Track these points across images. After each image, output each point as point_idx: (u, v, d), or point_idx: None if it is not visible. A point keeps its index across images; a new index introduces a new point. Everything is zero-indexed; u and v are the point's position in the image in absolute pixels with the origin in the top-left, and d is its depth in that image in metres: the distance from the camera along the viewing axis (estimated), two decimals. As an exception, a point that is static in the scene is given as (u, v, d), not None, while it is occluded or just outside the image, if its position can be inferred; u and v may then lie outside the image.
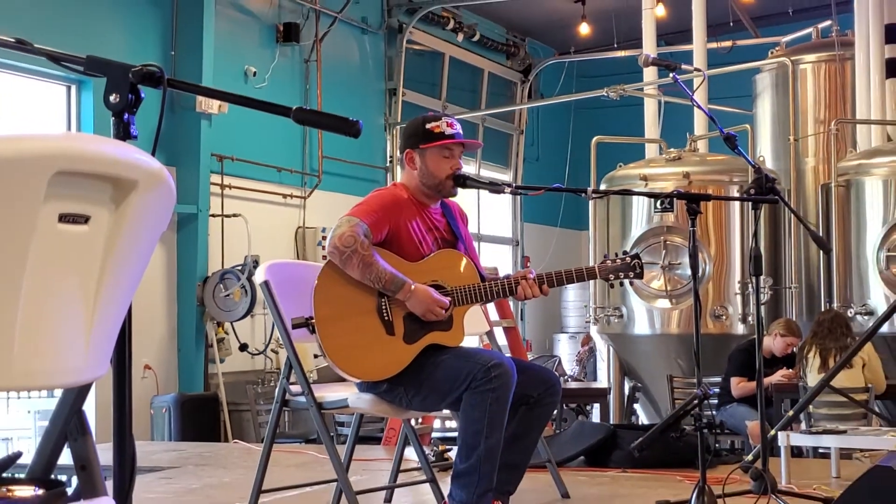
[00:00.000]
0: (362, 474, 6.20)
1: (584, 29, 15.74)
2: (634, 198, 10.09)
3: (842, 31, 11.55)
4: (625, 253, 4.63)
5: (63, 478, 2.11)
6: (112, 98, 2.20)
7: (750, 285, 9.70)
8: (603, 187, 10.23)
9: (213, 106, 10.97)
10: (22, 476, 2.08)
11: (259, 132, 11.75)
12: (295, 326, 4.37)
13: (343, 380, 4.46)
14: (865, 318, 9.28)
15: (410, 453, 5.37)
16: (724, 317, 10.00)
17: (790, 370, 8.41)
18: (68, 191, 1.77)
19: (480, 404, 4.09)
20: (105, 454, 2.10)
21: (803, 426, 7.12)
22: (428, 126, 4.47)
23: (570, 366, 15.66)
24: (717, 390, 8.66)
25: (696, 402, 4.51)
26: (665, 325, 10.15)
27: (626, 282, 4.59)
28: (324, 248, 4.57)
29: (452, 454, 4.90)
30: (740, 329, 9.96)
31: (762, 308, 5.50)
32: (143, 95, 2.23)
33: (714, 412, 8.64)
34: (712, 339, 9.68)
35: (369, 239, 4.24)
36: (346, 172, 13.28)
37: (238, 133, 11.49)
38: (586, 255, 13.49)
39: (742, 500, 4.56)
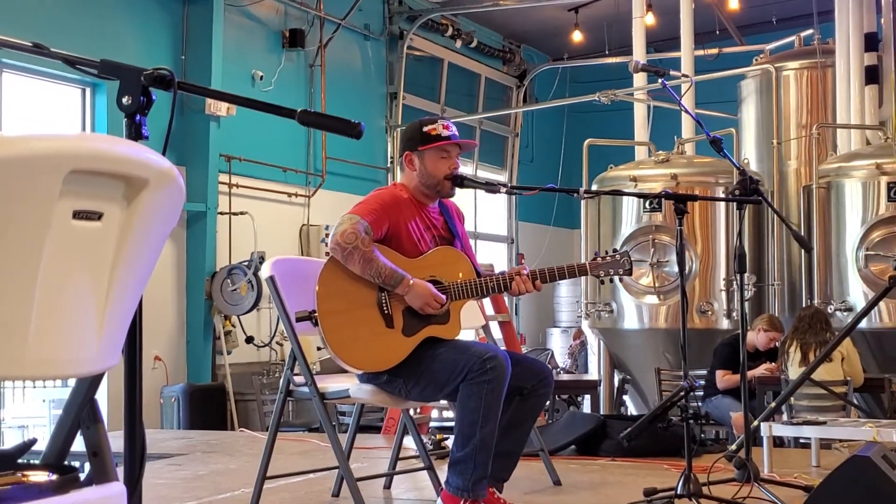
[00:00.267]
0: (363, 462, 6.20)
1: (577, 36, 15.75)
2: (624, 198, 10.08)
3: (823, 39, 11.54)
4: (615, 250, 4.63)
5: (76, 464, 2.11)
6: (125, 100, 2.20)
7: (734, 282, 9.71)
8: (594, 188, 10.23)
9: (221, 108, 10.97)
10: (37, 462, 2.08)
11: (265, 134, 11.75)
12: (299, 320, 4.37)
13: (345, 371, 4.46)
14: (844, 314, 9.29)
15: (409, 442, 5.37)
16: (709, 312, 10.00)
17: (773, 364, 8.41)
18: (82, 188, 1.77)
19: (476, 395, 4.09)
20: (116, 441, 2.10)
21: (785, 417, 7.12)
22: (425, 129, 4.47)
23: (562, 359, 15.65)
24: (702, 383, 8.66)
25: (682, 393, 4.51)
26: (653, 320, 10.15)
27: (616, 278, 4.59)
28: (327, 244, 4.55)
29: (449, 443, 4.91)
30: (725, 324, 9.96)
31: (746, 304, 5.49)
32: (154, 98, 2.23)
33: (700, 404, 8.65)
34: (698, 333, 9.68)
35: (370, 236, 4.24)
36: (348, 172, 13.28)
37: (245, 134, 11.49)
38: (578, 252, 13.47)
39: (726, 488, 4.56)
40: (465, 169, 4.97)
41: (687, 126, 10.99)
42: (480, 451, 4.11)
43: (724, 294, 9.98)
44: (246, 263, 11.03)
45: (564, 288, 16.79)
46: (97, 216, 1.83)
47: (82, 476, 2.04)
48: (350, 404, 5.83)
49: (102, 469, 2.07)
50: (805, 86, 11.48)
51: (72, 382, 2.14)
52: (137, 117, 2.20)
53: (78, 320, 1.84)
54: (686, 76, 10.79)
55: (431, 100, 15.45)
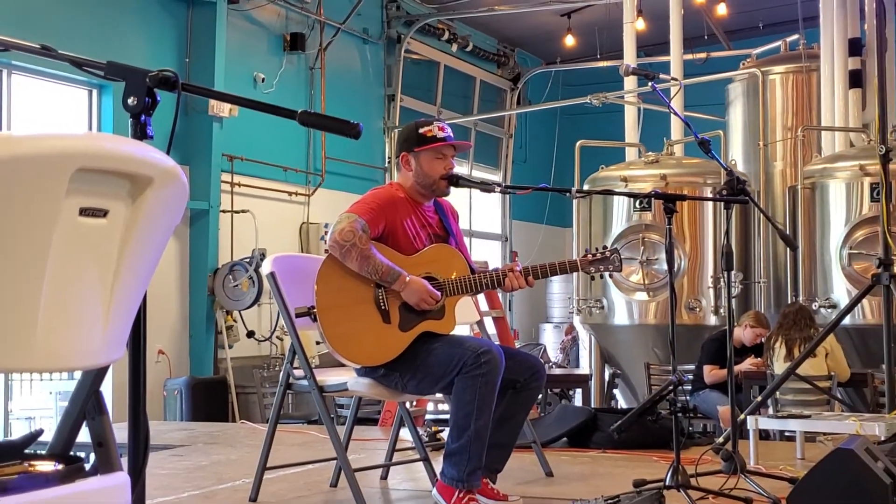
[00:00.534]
0: (360, 453, 6.20)
1: (570, 41, 15.75)
2: (615, 197, 10.09)
3: (808, 44, 11.56)
4: (605, 247, 4.63)
5: (82, 454, 2.11)
6: (130, 101, 2.20)
7: (722, 279, 9.71)
8: (586, 188, 10.23)
9: (224, 109, 10.96)
10: (43, 452, 2.08)
11: (267, 134, 11.75)
12: (298, 315, 4.37)
13: (343, 365, 4.46)
14: (829, 310, 9.30)
15: (405, 434, 5.36)
16: (697, 309, 10.01)
17: (759, 359, 8.42)
18: (88, 186, 1.77)
19: (471, 388, 4.09)
20: (120, 432, 2.10)
21: (770, 411, 7.13)
22: (421, 131, 4.48)
23: (554, 353, 15.66)
24: (690, 377, 8.67)
25: (671, 387, 4.51)
26: (643, 316, 10.16)
27: (607, 275, 4.59)
28: (326, 242, 4.55)
29: (444, 435, 4.90)
30: (712, 320, 9.97)
31: (733, 301, 5.50)
32: (158, 99, 2.23)
33: (688, 397, 8.65)
34: (686, 329, 9.69)
35: (367, 234, 4.24)
36: (347, 172, 13.27)
37: (247, 135, 11.48)
38: (570, 250, 13.48)
39: (713, 480, 4.56)
40: (461, 169, 4.97)
41: (676, 128, 11.01)
42: (475, 443, 4.12)
43: (711, 291, 9.99)
44: (247, 260, 11.02)
45: (557, 284, 16.79)
46: (103, 213, 1.83)
47: (87, 466, 2.04)
48: (348, 397, 5.83)
49: (107, 459, 2.07)
50: (791, 89, 11.49)
51: (78, 375, 2.14)
52: (142, 117, 2.20)
53: (84, 314, 1.84)
54: (675, 80, 10.81)
55: (428, 102, 15.45)
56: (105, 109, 10.41)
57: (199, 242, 11.12)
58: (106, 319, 1.90)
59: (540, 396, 7.78)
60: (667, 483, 4.28)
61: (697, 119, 11.95)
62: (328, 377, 4.59)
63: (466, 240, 4.71)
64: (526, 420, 4.66)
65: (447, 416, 4.47)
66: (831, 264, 9.46)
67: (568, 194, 4.98)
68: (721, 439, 5.63)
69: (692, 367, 8.79)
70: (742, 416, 5.59)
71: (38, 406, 10.55)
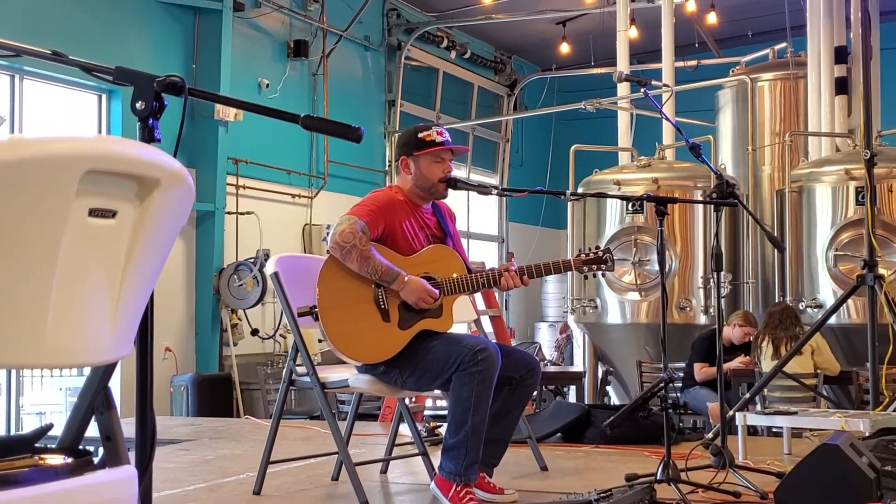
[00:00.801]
0: (361, 448, 6.20)
1: (565, 48, 15.75)
2: (608, 200, 10.09)
3: (796, 52, 11.56)
4: (597, 247, 4.64)
5: (90, 448, 2.10)
6: (138, 105, 2.19)
7: (711, 280, 9.71)
8: (580, 190, 10.22)
9: (229, 114, 10.96)
10: (53, 446, 2.07)
11: (271, 138, 11.74)
12: (300, 315, 4.37)
13: (344, 362, 4.45)
14: (815, 310, 9.29)
15: (405, 429, 5.36)
16: (688, 308, 10.01)
17: (747, 357, 8.43)
18: (97, 188, 1.77)
19: (468, 385, 4.09)
20: (128, 427, 2.09)
21: (758, 407, 7.13)
22: (420, 135, 4.48)
23: (549, 351, 15.65)
24: (681, 374, 8.67)
25: (662, 385, 4.51)
26: (635, 315, 10.16)
27: (600, 275, 4.59)
28: (327, 243, 4.55)
29: (442, 430, 4.90)
30: (702, 319, 9.97)
31: (722, 301, 5.49)
32: (166, 103, 2.22)
33: (678, 394, 8.66)
34: (677, 328, 9.68)
35: (367, 235, 4.25)
36: (349, 175, 13.27)
37: (252, 139, 11.48)
38: (565, 251, 13.49)
39: (703, 474, 4.56)
40: (459, 172, 4.97)
41: (667, 133, 11.01)
42: (472, 438, 4.12)
43: (701, 291, 9.99)
44: (252, 260, 11.02)
45: (552, 284, 16.80)
46: (111, 214, 1.83)
47: (96, 460, 2.03)
48: (349, 393, 5.82)
49: (115, 453, 2.07)
50: (778, 96, 11.50)
51: (87, 371, 2.13)
52: (150, 121, 2.20)
53: (93, 312, 1.84)
54: (667, 86, 10.80)
55: (427, 107, 15.45)
56: (114, 113, 10.41)
57: (205, 243, 11.12)
58: (114, 317, 1.89)
59: (535, 393, 7.78)
60: (658, 477, 4.28)
61: (688, 124, 11.94)
62: (330, 374, 4.59)
63: (464, 241, 4.70)
64: (521, 416, 4.66)
65: (445, 412, 4.46)
66: (817, 265, 9.45)
67: (563, 197, 4.98)
68: (710, 435, 5.63)
69: (683, 364, 8.79)
70: (731, 413, 5.59)
71: (49, 401, 10.55)
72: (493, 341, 4.52)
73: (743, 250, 10.49)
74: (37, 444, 2.02)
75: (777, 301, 9.47)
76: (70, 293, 1.77)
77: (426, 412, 9.14)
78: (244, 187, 11.60)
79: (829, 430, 5.23)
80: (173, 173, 1.92)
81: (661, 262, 4.57)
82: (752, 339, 8.42)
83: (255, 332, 11.47)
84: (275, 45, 12.43)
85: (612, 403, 10.78)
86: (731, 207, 5.03)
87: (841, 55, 10.37)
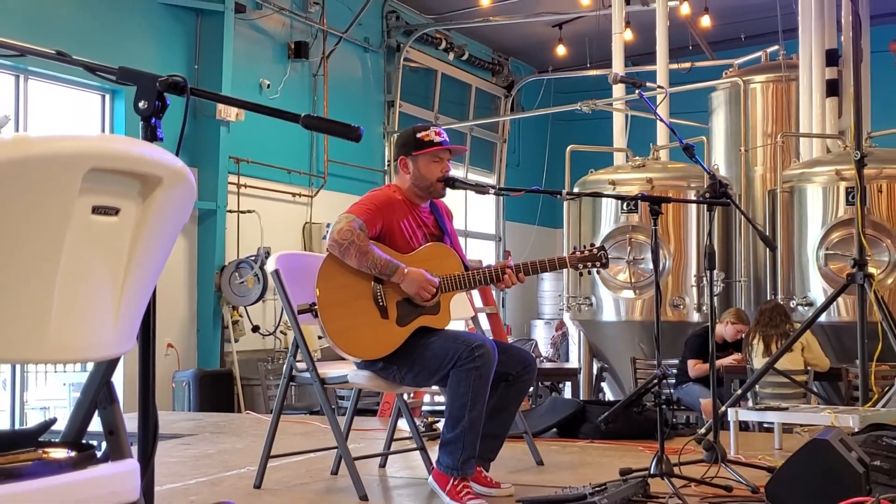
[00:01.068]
0: (360, 442, 6.20)
1: (561, 50, 15.75)
2: (603, 199, 10.09)
3: (788, 55, 11.56)
4: (592, 245, 4.63)
5: (94, 442, 2.10)
6: (141, 104, 2.19)
7: (704, 278, 9.72)
8: (576, 190, 10.23)
9: (231, 113, 10.95)
10: (56, 440, 2.07)
11: (272, 138, 11.73)
12: (301, 311, 4.37)
13: (343, 358, 4.45)
14: (806, 308, 9.30)
15: (403, 424, 5.36)
16: (681, 306, 10.01)
17: (739, 354, 8.43)
18: (101, 186, 1.77)
19: (465, 380, 4.09)
20: (131, 422, 2.09)
21: (750, 403, 7.13)
22: (419, 135, 4.47)
23: (545, 348, 15.66)
24: (674, 371, 8.67)
25: (655, 381, 4.51)
26: (629, 312, 10.16)
27: (595, 273, 4.59)
28: (326, 241, 4.54)
29: (440, 425, 4.90)
30: (695, 317, 9.98)
31: (715, 299, 5.50)
32: (168, 102, 2.22)
33: (672, 390, 8.66)
34: (671, 325, 9.70)
35: (364, 232, 4.24)
36: (348, 174, 13.27)
37: (253, 138, 11.47)
38: (561, 250, 13.49)
39: (696, 469, 4.56)
40: (457, 172, 4.97)
41: (662, 134, 11.01)
42: (469, 433, 4.11)
43: (694, 289, 10.00)
44: (253, 258, 11.01)
45: (548, 282, 16.80)
46: (114, 211, 1.83)
47: (99, 453, 2.03)
48: (348, 389, 5.82)
49: (118, 447, 2.07)
50: (770, 98, 11.50)
51: (90, 367, 2.13)
52: (153, 120, 2.19)
53: (96, 308, 1.84)
54: (661, 88, 10.83)
55: (426, 108, 15.44)
56: (117, 113, 10.40)
57: (206, 241, 11.11)
58: (117, 313, 1.89)
59: (531, 389, 7.78)
60: (651, 471, 4.28)
61: (682, 125, 11.93)
62: (329, 370, 4.59)
63: (462, 239, 4.68)
64: (518, 411, 4.66)
65: (443, 408, 4.46)
66: (808, 264, 9.46)
67: (559, 196, 4.98)
68: (703, 430, 5.63)
69: (676, 361, 8.80)
70: (723, 409, 5.60)
71: (53, 396, 10.54)
72: (490, 338, 4.51)
73: (735, 249, 10.50)
74: (41, 438, 2.02)
75: (765, 300, 9.48)
76: (73, 290, 1.76)
77: (424, 408, 9.15)
78: (245, 186, 11.59)
79: (819, 425, 5.23)
80: (175, 172, 1.91)
81: (656, 261, 4.57)
82: (744, 336, 8.42)
83: (255, 329, 11.47)
84: (276, 47, 12.42)
85: (606, 399, 10.79)
86: (723, 207, 5.04)
87: (832, 58, 10.38)
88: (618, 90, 12.06)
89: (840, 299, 8.36)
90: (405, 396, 5.15)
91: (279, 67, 12.36)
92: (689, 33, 14.70)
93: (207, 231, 11.10)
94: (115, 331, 1.90)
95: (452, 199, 4.78)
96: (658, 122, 9.73)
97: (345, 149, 12.78)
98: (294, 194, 12.44)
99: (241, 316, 11.32)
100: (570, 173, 10.72)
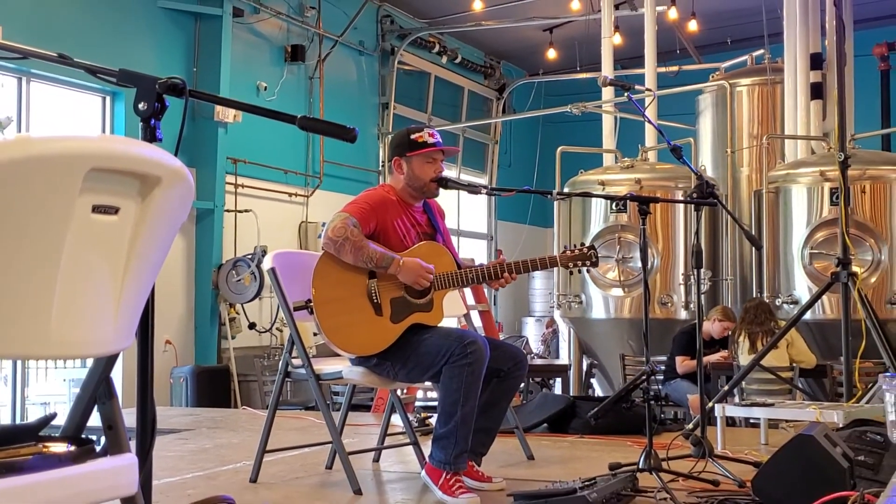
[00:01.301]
0: (354, 437, 6.19)
1: (552, 54, 15.76)
2: (593, 199, 10.10)
3: (773, 59, 11.58)
4: (582, 244, 4.63)
5: (93, 437, 2.10)
6: (140, 106, 2.19)
7: (692, 277, 9.73)
8: (566, 190, 10.23)
9: (228, 115, 10.94)
10: (56, 434, 2.07)
11: (268, 139, 11.72)
12: (296, 308, 4.37)
13: (338, 355, 4.45)
14: (791, 306, 9.32)
15: (396, 420, 5.36)
16: (669, 304, 10.02)
17: (726, 351, 8.44)
18: (101, 185, 1.77)
19: (458, 376, 4.09)
20: (129, 417, 2.09)
21: (737, 399, 7.15)
22: (413, 137, 4.47)
23: (536, 345, 15.66)
24: (662, 367, 8.68)
25: (644, 377, 4.51)
26: (618, 310, 10.17)
27: (585, 271, 4.59)
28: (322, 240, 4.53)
29: (433, 420, 4.89)
30: (683, 314, 9.98)
31: (702, 296, 5.51)
32: (167, 104, 2.21)
33: (660, 386, 8.66)
34: (659, 323, 9.71)
35: (358, 229, 4.24)
36: (344, 175, 13.25)
37: (250, 139, 11.46)
38: (552, 249, 13.50)
39: (683, 463, 4.56)
40: (449, 172, 4.96)
41: (650, 135, 11.02)
42: (461, 428, 4.11)
43: (682, 287, 10.01)
44: (249, 256, 11.00)
45: (538, 281, 16.80)
46: (114, 210, 1.82)
47: (98, 448, 2.03)
48: (343, 385, 5.82)
49: (116, 441, 2.06)
50: (756, 100, 11.52)
51: (90, 363, 2.13)
52: (152, 121, 2.19)
53: (96, 305, 1.84)
54: (649, 90, 10.83)
55: (419, 110, 15.43)
56: (117, 115, 10.38)
57: (204, 240, 11.10)
58: (116, 310, 1.89)
59: (522, 385, 7.78)
60: (640, 466, 4.28)
61: (670, 127, 11.93)
62: (324, 366, 4.58)
63: (454, 238, 4.68)
64: (509, 407, 4.66)
65: (435, 404, 4.46)
66: (793, 263, 9.48)
67: (549, 196, 4.98)
68: (691, 426, 5.64)
69: (664, 358, 8.80)
70: (710, 404, 5.60)
71: (53, 392, 10.52)
72: (482, 335, 4.51)
73: (722, 248, 10.52)
74: (41, 433, 2.01)
75: (750, 298, 9.49)
76: (74, 287, 1.76)
77: (417, 403, 9.14)
78: (242, 186, 11.58)
79: (805, 421, 5.24)
80: (174, 171, 1.91)
81: (644, 260, 4.57)
82: (730, 333, 8.43)
83: (252, 326, 11.45)
84: (273, 50, 12.40)
85: (596, 395, 10.80)
86: (710, 207, 5.04)
87: (816, 62, 10.39)
88: (607, 93, 12.05)
89: (824, 297, 8.38)
90: (399, 392, 5.15)
91: (276, 70, 12.35)
92: (676, 37, 14.72)
93: (205, 230, 11.09)
94: (114, 327, 1.89)
95: (445, 199, 4.78)
96: (646, 124, 9.74)
97: (340, 150, 12.77)
98: (290, 194, 12.43)
99: (237, 313, 11.30)
100: (561, 174, 10.72)
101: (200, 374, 10.42)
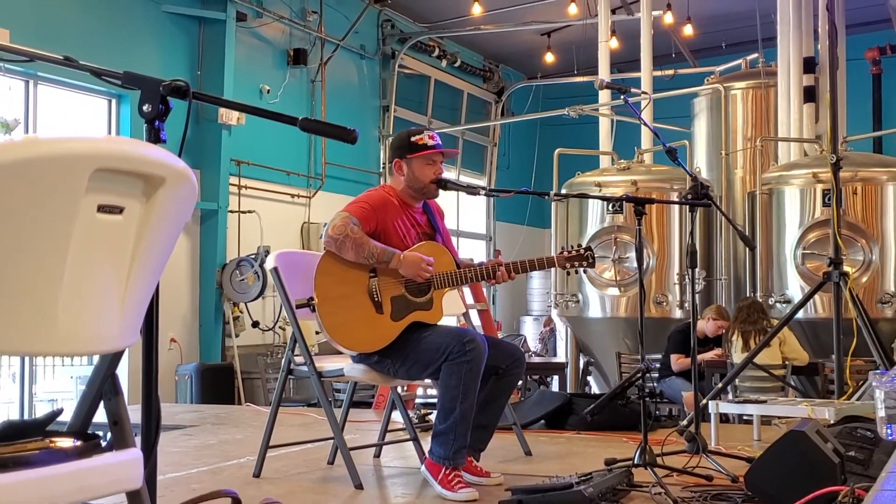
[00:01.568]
0: (355, 433, 6.19)
1: (549, 58, 15.76)
2: (590, 200, 10.10)
3: (767, 62, 11.58)
4: (579, 245, 4.63)
5: (99, 433, 2.10)
6: (145, 108, 2.19)
7: (686, 276, 9.73)
8: (563, 192, 10.23)
9: (232, 117, 10.94)
10: (63, 430, 2.07)
11: (271, 141, 11.73)
12: (299, 306, 4.37)
13: (340, 353, 4.45)
14: (783, 305, 9.32)
15: (397, 416, 5.36)
16: (664, 303, 10.02)
17: (720, 349, 8.44)
18: (106, 185, 1.77)
19: (457, 374, 4.09)
20: (135, 414, 2.09)
21: (730, 396, 7.15)
22: (413, 139, 4.47)
23: (533, 343, 15.66)
24: (658, 365, 8.68)
25: (639, 374, 4.51)
26: (615, 309, 10.17)
27: (581, 271, 4.58)
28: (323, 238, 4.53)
29: (432, 417, 4.89)
30: (678, 314, 9.98)
31: (697, 296, 5.51)
32: (171, 106, 2.22)
33: (655, 384, 8.67)
34: (654, 321, 9.70)
35: (358, 227, 4.25)
36: (345, 176, 13.26)
37: (253, 141, 11.46)
38: (549, 249, 13.48)
39: (678, 459, 4.56)
40: (449, 174, 4.96)
41: (646, 138, 11.01)
42: (460, 424, 4.11)
43: (677, 287, 10.01)
44: (253, 256, 11.00)
45: (536, 280, 16.80)
46: (119, 210, 1.82)
47: (104, 443, 2.03)
48: (344, 382, 5.81)
49: (122, 437, 2.06)
50: (750, 103, 11.52)
51: (96, 360, 2.13)
52: (156, 123, 2.19)
53: (101, 302, 1.84)
54: (645, 94, 10.84)
55: (419, 112, 15.44)
56: (123, 118, 10.38)
57: (208, 240, 11.10)
58: (121, 308, 1.89)
59: (520, 382, 7.78)
60: (635, 461, 4.29)
61: (665, 130, 11.94)
62: (326, 364, 4.59)
63: (454, 239, 4.67)
64: (507, 403, 4.66)
65: (435, 400, 4.46)
66: (786, 263, 9.48)
67: (547, 197, 4.98)
68: (685, 422, 5.64)
69: (659, 356, 8.80)
70: (704, 401, 5.60)
71: (60, 389, 10.51)
72: (481, 333, 4.51)
73: (716, 249, 10.51)
74: (48, 428, 2.02)
75: (742, 297, 9.50)
76: (80, 285, 1.76)
77: (417, 400, 9.14)
78: (246, 187, 11.58)
79: (797, 417, 5.24)
80: (178, 172, 1.91)
81: (640, 260, 4.57)
82: (724, 332, 8.44)
83: (255, 325, 11.46)
84: (275, 54, 12.40)
85: (592, 392, 10.80)
86: (705, 208, 5.03)
87: (809, 65, 10.39)
88: (604, 96, 12.06)
89: (816, 297, 8.37)
90: (399, 389, 5.15)
91: (279, 73, 12.35)
92: (672, 41, 14.72)
93: (209, 230, 11.09)
94: (119, 324, 1.90)
95: (445, 200, 4.79)
96: (642, 126, 9.74)
97: (341, 151, 12.77)
98: (293, 195, 12.43)
99: (241, 312, 11.31)
100: (558, 175, 10.72)
101: (205, 371, 10.42)
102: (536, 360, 12.34)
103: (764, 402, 5.83)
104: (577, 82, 15.62)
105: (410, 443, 5.02)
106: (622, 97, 4.91)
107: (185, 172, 1.93)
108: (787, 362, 7.97)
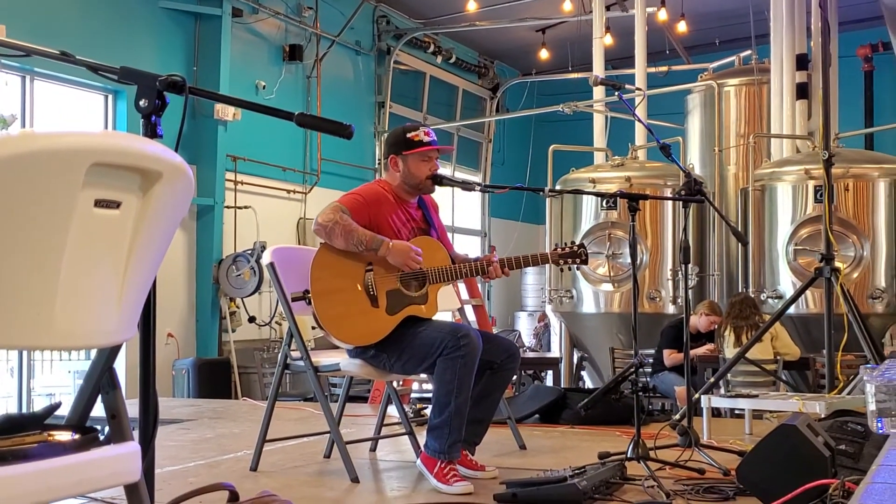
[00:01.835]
0: (351, 427, 6.20)
1: (544, 54, 15.75)
2: (584, 197, 10.10)
3: (760, 59, 11.59)
4: (573, 242, 4.64)
5: (97, 426, 2.10)
6: (142, 103, 2.19)
7: (679, 272, 9.74)
8: (558, 188, 10.24)
9: (228, 113, 10.93)
10: (61, 423, 2.07)
11: (267, 136, 11.72)
12: (294, 299, 4.36)
13: (336, 347, 4.45)
14: (775, 300, 9.33)
15: (392, 410, 5.36)
16: (657, 298, 10.03)
17: (712, 344, 8.46)
18: (103, 180, 1.77)
19: (451, 368, 4.09)
20: (132, 408, 2.09)
21: (722, 391, 7.15)
22: (409, 135, 4.47)
23: (528, 338, 15.66)
24: (651, 360, 8.69)
25: (633, 369, 4.52)
26: (608, 305, 10.18)
27: (575, 267, 4.58)
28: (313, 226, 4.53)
29: (428, 411, 4.90)
30: (671, 309, 9.99)
31: (690, 291, 5.51)
32: (167, 101, 2.21)
33: (648, 378, 8.68)
34: (647, 317, 9.72)
35: (348, 215, 4.25)
36: (341, 172, 13.25)
37: (249, 137, 11.45)
38: (544, 245, 13.48)
39: (670, 452, 4.57)
40: (444, 170, 4.96)
41: (640, 134, 11.02)
42: (455, 418, 4.12)
43: (670, 282, 10.02)
44: (249, 252, 11.00)
45: (531, 276, 16.81)
46: (116, 205, 1.82)
47: (102, 436, 2.03)
48: (340, 377, 5.82)
49: (120, 430, 2.07)
50: (743, 100, 11.52)
51: (94, 354, 2.13)
52: (153, 118, 2.19)
53: (98, 297, 1.84)
54: (639, 90, 10.84)
55: (415, 108, 15.43)
56: (119, 113, 10.37)
57: (205, 235, 11.10)
58: (119, 302, 1.89)
59: (514, 377, 7.78)
60: (628, 455, 4.30)
61: (659, 126, 11.95)
62: (322, 358, 4.59)
63: (448, 234, 4.66)
64: (502, 398, 4.67)
65: (430, 395, 4.47)
66: (778, 259, 9.49)
67: (541, 193, 4.99)
68: (678, 416, 5.64)
69: (652, 351, 8.82)
70: (696, 396, 5.61)
71: (58, 384, 10.51)
72: (476, 328, 4.52)
73: (709, 244, 10.52)
74: (46, 422, 2.02)
75: (735, 293, 9.51)
76: (77, 279, 1.76)
77: (413, 394, 9.14)
78: (242, 183, 11.57)
79: (788, 411, 5.25)
80: (175, 167, 1.91)
81: (633, 256, 4.58)
82: (716, 327, 8.45)
83: (252, 320, 11.46)
84: (271, 49, 12.39)
85: (586, 387, 10.81)
86: (698, 204, 5.04)
87: (802, 62, 10.40)
88: (598, 92, 12.06)
89: (808, 292, 8.39)
90: (395, 384, 5.15)
91: (274, 69, 12.34)
92: (666, 38, 14.72)
93: (206, 226, 11.09)
94: (116, 318, 1.90)
95: (440, 196, 4.77)
96: (636, 122, 9.73)
97: (337, 147, 12.76)
98: (289, 191, 12.42)
99: (238, 307, 11.30)
100: (553, 172, 10.72)
101: (202, 366, 10.42)
102: (531, 355, 12.34)
103: (755, 396, 5.85)
104: (572, 79, 15.63)
105: (406, 437, 5.02)
106: (616, 93, 4.91)
107: (181, 167, 1.93)
108: (778, 357, 7.99)
